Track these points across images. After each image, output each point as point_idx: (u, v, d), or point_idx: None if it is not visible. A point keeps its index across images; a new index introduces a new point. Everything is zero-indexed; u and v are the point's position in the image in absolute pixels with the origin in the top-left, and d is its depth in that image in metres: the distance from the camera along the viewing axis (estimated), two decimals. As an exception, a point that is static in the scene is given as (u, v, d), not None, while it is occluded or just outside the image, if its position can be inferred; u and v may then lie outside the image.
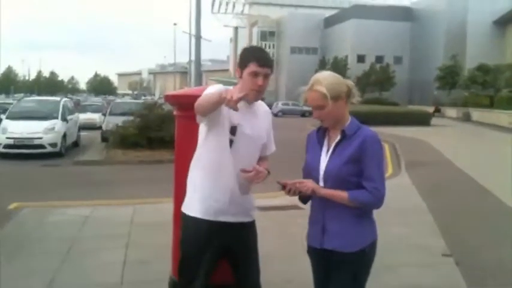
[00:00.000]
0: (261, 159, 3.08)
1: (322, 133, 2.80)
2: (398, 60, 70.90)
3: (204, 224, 2.89)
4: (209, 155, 2.88)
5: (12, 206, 8.16)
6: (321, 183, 2.68)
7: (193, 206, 2.95)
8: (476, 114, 39.87)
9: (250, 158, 2.94)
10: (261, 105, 3.08)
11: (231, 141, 2.86)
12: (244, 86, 2.86)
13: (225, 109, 2.76)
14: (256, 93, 2.90)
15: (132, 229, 6.81)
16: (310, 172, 2.75)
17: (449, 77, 52.96)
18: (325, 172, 2.69)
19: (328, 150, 2.74)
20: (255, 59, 2.86)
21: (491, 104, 41.81)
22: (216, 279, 3.11)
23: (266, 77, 2.87)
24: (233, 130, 2.85)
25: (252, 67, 2.84)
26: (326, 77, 2.68)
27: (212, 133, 2.88)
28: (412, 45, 70.87)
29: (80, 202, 8.62)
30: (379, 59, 68.58)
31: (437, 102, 50.03)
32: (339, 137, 2.71)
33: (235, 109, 2.53)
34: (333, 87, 2.64)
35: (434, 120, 35.11)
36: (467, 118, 40.25)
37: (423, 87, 63.84)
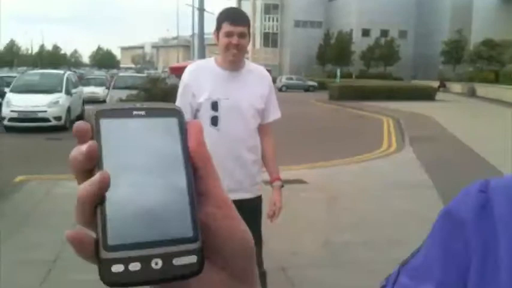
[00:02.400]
0: (262, 130, 3.00)
1: None
2: (403, 34, 70.45)
3: None
4: None
5: (18, 179, 8.21)
6: None
7: None
8: (481, 89, 39.70)
9: (243, 129, 2.86)
10: (253, 72, 2.96)
11: (216, 118, 2.81)
12: (220, 48, 2.82)
13: (204, 86, 2.80)
14: (234, 54, 2.80)
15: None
16: None
17: (454, 51, 52.65)
18: None
19: None
20: (227, 18, 2.79)
21: (497, 79, 41.58)
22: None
23: (242, 36, 2.78)
24: (215, 106, 2.81)
25: (225, 27, 2.78)
26: None
27: (198, 113, 2.87)
28: (417, 19, 70.28)
29: (85, 175, 8.65)
30: (384, 33, 68.18)
31: (442, 77, 49.82)
32: None
33: None
34: None
35: (439, 96, 34.98)
36: (472, 93, 40.08)
37: (428, 62, 63.53)
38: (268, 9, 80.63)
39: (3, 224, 5.79)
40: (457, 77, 49.10)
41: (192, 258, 0.46)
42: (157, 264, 0.44)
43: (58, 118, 15.78)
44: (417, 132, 15.20)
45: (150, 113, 0.48)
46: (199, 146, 0.49)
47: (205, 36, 20.99)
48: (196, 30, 22.69)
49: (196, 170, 0.49)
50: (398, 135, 15.21)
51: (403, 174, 9.07)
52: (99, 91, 27.46)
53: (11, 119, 15.42)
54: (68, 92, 16.90)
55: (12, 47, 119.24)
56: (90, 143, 0.46)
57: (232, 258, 0.50)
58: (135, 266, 0.44)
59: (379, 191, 7.77)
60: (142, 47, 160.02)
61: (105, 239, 0.44)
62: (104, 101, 21.24)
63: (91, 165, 0.46)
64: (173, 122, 0.49)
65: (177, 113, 0.50)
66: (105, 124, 0.47)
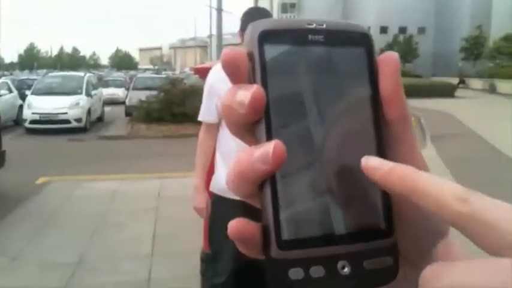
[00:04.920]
0: None
1: None
2: (422, 30, 69.75)
3: (224, 202, 2.85)
4: (225, 142, 2.85)
5: (39, 180, 8.28)
6: None
7: (215, 184, 2.96)
8: (501, 85, 39.14)
9: None
10: None
11: None
12: None
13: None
14: None
15: (159, 203, 6.86)
16: None
17: (474, 47, 52.08)
18: None
19: None
20: (254, 19, 2.76)
21: (518, 75, 41.01)
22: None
23: None
24: None
25: None
26: None
27: None
28: (436, 16, 69.57)
29: (106, 176, 8.70)
30: (403, 29, 67.59)
31: (461, 74, 49.24)
32: None
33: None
34: None
35: (458, 92, 34.62)
36: (492, 90, 39.57)
37: (447, 59, 62.89)
38: (285, 8, 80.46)
39: (26, 226, 5.84)
40: (477, 73, 48.56)
41: (387, 260, 0.33)
42: (344, 268, 0.32)
43: (79, 120, 15.92)
44: (438, 130, 15.03)
45: (331, 39, 0.35)
46: (397, 92, 0.35)
47: (224, 36, 21.02)
48: (214, 31, 22.74)
49: (388, 126, 0.35)
50: (419, 133, 15.06)
51: (426, 172, 8.99)
52: (118, 92, 27.61)
53: (32, 121, 15.59)
54: (88, 94, 17.05)
55: (32, 50, 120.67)
56: (256, 89, 0.32)
57: (426, 252, 0.35)
58: (317, 271, 0.31)
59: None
60: (160, 48, 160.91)
61: (278, 232, 0.32)
62: (123, 103, 21.38)
63: (254, 119, 0.33)
64: (360, 53, 0.36)
65: (365, 40, 0.36)
66: (272, 53, 0.34)
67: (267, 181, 0.32)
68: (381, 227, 0.33)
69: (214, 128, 2.92)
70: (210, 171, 3.02)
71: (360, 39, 0.36)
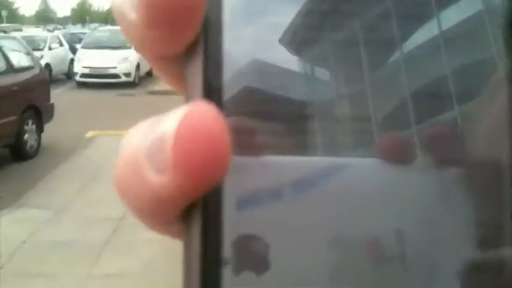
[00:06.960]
0: None
1: None
2: None
3: None
4: None
5: (89, 134, 8.33)
6: None
7: None
8: None
9: None
10: None
11: None
12: None
13: None
14: None
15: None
16: None
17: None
18: None
19: None
20: None
21: None
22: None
23: None
24: None
25: None
26: None
27: None
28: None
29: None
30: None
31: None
32: None
33: None
34: None
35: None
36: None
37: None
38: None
39: (72, 180, 5.88)
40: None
41: None
42: None
43: (128, 74, 15.97)
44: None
45: None
46: None
47: None
48: None
49: None
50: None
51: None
52: (167, 47, 27.69)
53: (83, 75, 15.77)
54: (136, 48, 17.08)
55: (84, 4, 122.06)
56: None
57: None
58: None
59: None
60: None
61: None
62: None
63: (173, 43, 0.16)
64: None
65: None
66: None
67: (196, 210, 0.15)
68: None
69: None
70: None
71: None
